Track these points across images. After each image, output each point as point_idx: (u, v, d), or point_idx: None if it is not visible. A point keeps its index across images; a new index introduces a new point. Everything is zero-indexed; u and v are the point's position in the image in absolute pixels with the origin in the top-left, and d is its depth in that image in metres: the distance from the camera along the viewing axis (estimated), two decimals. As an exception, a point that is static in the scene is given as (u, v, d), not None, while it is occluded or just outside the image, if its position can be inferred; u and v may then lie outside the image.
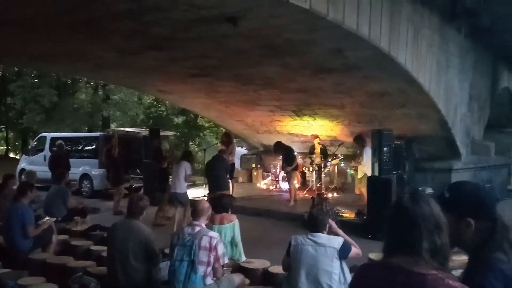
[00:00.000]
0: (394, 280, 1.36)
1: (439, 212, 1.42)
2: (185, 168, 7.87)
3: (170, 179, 8.69)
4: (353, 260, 3.79)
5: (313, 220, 3.91)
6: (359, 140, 9.38)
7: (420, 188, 8.81)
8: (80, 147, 12.93)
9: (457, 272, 4.87)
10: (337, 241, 3.71)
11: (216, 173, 7.91)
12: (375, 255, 5.02)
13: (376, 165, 7.47)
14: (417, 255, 1.36)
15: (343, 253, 3.66)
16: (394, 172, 7.57)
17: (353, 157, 10.22)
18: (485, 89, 12.50)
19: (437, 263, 1.36)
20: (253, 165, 13.06)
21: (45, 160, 11.81)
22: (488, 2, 8.40)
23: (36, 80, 20.29)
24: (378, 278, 1.43)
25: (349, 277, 3.67)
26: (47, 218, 5.87)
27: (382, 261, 1.48)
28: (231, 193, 7.51)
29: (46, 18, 5.40)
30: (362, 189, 9.34)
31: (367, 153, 8.70)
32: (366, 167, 8.82)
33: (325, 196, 7.96)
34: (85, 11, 5.11)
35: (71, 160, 10.88)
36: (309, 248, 3.66)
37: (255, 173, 12.92)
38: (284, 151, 10.05)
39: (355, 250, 3.84)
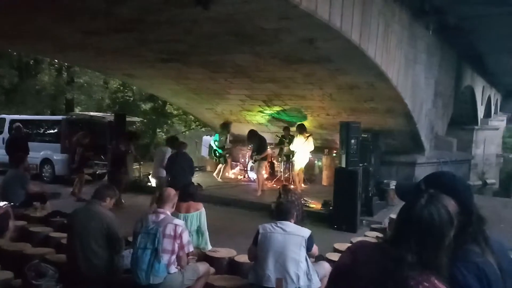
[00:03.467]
0: (383, 264, 1.41)
1: (447, 225, 1.40)
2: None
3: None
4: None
5: (282, 208, 3.90)
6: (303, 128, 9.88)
7: (385, 181, 9.02)
8: (42, 131, 12.43)
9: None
10: (305, 231, 3.73)
11: (179, 170, 7.54)
12: (339, 245, 5.10)
13: (343, 157, 7.55)
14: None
15: (310, 243, 3.69)
16: (360, 165, 7.69)
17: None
18: (449, 86, 12.89)
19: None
20: (222, 154, 12.98)
21: (3, 142, 11.30)
22: (454, 2, 8.62)
23: (-4, 60, 19.31)
24: (369, 257, 1.49)
25: (313, 270, 3.69)
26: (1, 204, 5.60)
27: (381, 245, 1.52)
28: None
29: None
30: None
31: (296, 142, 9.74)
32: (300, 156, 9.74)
33: (289, 187, 7.99)
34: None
35: (31, 144, 10.44)
36: (278, 235, 3.65)
37: (223, 162, 12.84)
38: (257, 140, 10.02)
39: (316, 249, 3.91)
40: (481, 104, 19.11)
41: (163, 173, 8.07)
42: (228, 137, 11.97)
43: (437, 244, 1.39)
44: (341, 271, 1.61)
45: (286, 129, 10.81)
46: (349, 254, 1.62)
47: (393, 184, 9.05)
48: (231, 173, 12.21)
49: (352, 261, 1.56)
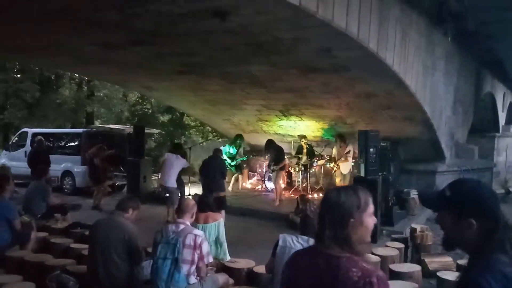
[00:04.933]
0: (316, 263, 1.57)
1: (353, 205, 1.59)
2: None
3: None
4: None
5: (308, 222, 3.68)
6: (343, 138, 9.92)
7: (405, 190, 8.87)
8: (63, 143, 12.67)
9: (442, 274, 4.85)
10: None
11: (212, 173, 7.79)
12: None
13: (362, 166, 7.46)
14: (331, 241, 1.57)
15: None
16: (379, 174, 7.57)
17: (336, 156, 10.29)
18: (469, 93, 12.67)
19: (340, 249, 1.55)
20: (239, 164, 12.93)
21: (26, 156, 11.54)
22: (472, 7, 8.50)
23: (19, 76, 19.84)
24: (305, 263, 1.64)
25: None
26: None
27: (311, 247, 1.70)
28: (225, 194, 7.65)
29: (20, 6, 5.19)
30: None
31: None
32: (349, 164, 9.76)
33: (308, 197, 7.90)
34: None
35: (53, 156, 10.65)
36: None
37: (241, 173, 12.79)
38: (274, 150, 9.98)
39: None
40: (502, 111, 18.68)
41: (171, 181, 8.23)
42: (239, 149, 11.74)
43: (345, 222, 1.55)
44: (287, 285, 1.72)
45: (304, 137, 10.73)
46: (290, 266, 1.73)
47: (413, 193, 8.89)
48: (248, 183, 12.18)
49: (293, 271, 1.68)
